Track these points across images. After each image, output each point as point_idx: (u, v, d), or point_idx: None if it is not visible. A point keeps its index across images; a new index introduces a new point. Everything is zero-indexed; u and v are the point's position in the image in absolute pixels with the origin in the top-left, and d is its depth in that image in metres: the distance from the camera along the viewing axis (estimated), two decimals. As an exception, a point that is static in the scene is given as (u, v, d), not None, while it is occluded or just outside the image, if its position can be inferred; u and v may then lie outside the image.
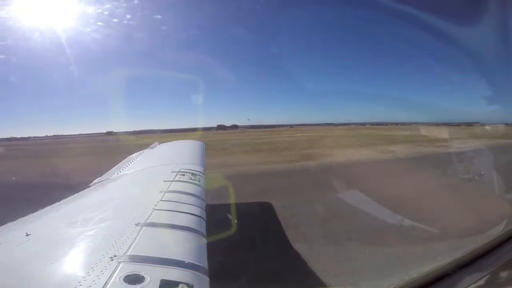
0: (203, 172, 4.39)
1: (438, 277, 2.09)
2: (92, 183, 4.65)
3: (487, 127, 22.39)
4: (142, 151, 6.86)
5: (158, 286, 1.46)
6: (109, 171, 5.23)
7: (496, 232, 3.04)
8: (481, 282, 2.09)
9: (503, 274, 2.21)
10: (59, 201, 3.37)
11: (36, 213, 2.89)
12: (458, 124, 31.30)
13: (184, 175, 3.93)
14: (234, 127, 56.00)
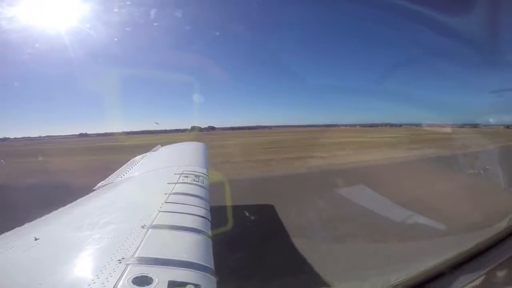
0: (206, 173, 4.42)
1: (439, 274, 2.09)
2: (96, 186, 4.68)
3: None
4: (145, 153, 6.89)
5: (166, 287, 1.48)
6: (112, 174, 5.26)
7: (497, 228, 3.01)
8: (482, 279, 2.09)
9: (504, 271, 2.20)
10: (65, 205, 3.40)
11: (43, 217, 2.93)
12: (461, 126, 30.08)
13: (187, 176, 3.96)
14: (211, 128, 55.41)
